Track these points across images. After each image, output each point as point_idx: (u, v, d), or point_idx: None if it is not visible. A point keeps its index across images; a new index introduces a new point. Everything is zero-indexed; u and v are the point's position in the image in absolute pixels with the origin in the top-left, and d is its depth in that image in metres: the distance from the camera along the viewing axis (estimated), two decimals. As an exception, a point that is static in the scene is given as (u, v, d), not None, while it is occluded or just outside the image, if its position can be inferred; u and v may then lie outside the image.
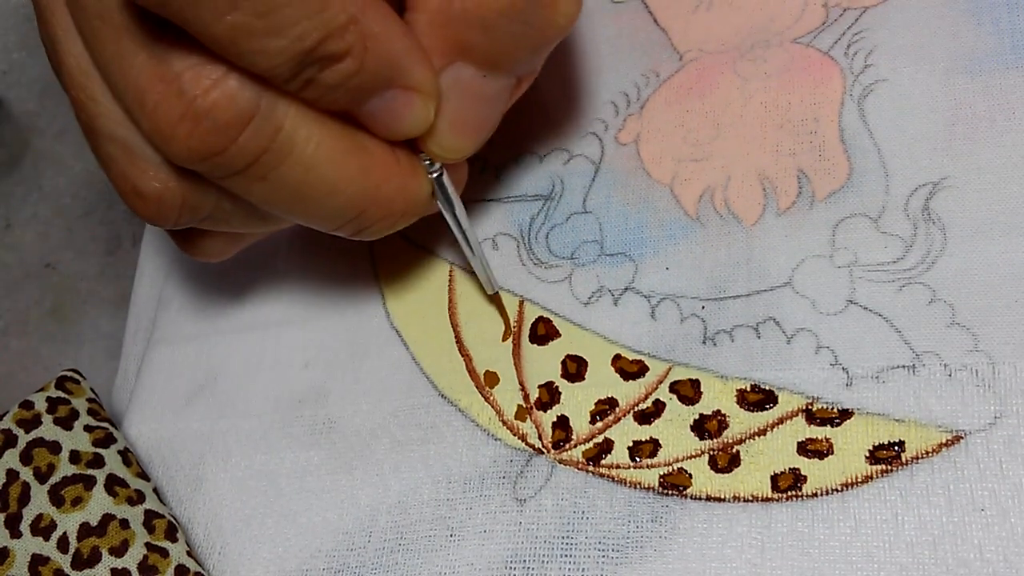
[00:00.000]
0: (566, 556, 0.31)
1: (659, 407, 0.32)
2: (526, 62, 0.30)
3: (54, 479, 0.35)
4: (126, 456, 0.37)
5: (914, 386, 0.29)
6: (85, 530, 0.34)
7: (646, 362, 0.33)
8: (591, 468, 0.32)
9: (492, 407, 0.34)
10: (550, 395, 0.34)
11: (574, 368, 0.34)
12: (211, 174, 0.28)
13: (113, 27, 0.27)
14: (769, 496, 0.29)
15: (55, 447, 0.36)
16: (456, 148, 0.31)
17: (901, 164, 0.32)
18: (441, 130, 0.30)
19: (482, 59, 0.29)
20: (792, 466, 0.30)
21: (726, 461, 0.30)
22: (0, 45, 0.64)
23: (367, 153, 0.29)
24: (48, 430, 0.36)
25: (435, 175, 0.31)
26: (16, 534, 0.34)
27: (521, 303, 0.36)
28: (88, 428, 0.37)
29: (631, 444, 0.32)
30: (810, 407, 0.30)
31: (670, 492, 0.31)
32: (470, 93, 0.30)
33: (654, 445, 0.31)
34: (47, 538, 0.34)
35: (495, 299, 0.36)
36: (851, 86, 0.34)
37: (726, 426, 0.31)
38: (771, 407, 0.31)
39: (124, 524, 0.34)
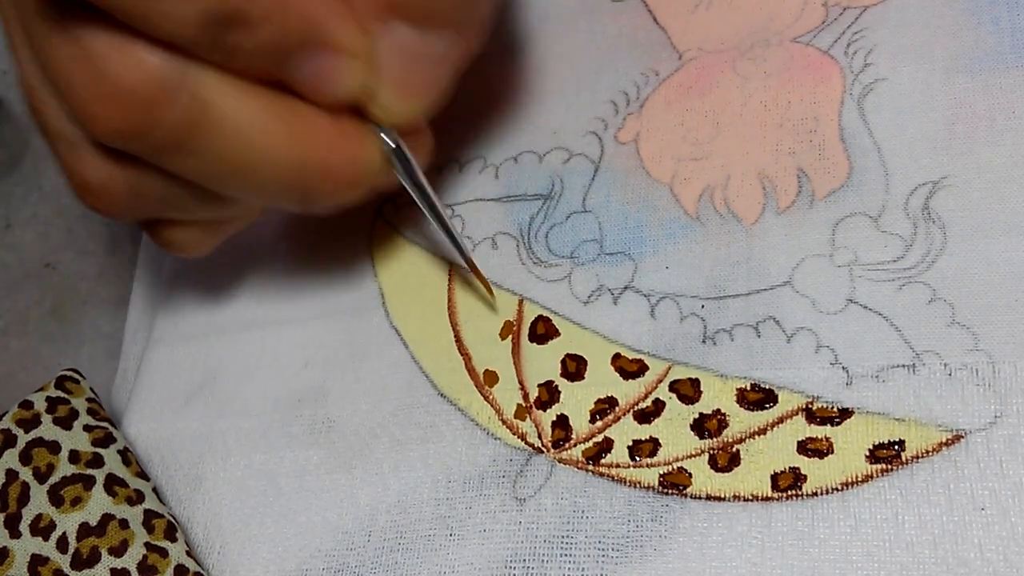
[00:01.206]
0: (566, 555, 0.31)
1: (659, 406, 0.32)
2: (460, 15, 0.29)
3: (53, 479, 0.35)
4: (125, 456, 0.36)
5: (914, 385, 0.29)
6: (84, 530, 0.34)
7: (646, 361, 0.33)
8: (591, 467, 0.32)
9: (492, 406, 0.34)
10: (549, 394, 0.34)
11: (574, 367, 0.34)
12: (142, 153, 0.28)
13: (37, 16, 0.26)
14: (769, 495, 0.29)
15: (54, 447, 0.36)
16: (401, 111, 0.30)
17: (901, 163, 0.32)
18: (384, 93, 0.29)
19: (415, 15, 0.28)
20: (792, 465, 0.30)
21: (726, 460, 0.30)
22: (0, 45, 0.64)
23: (303, 121, 0.28)
24: (47, 430, 0.36)
25: (390, 144, 0.30)
26: (16, 534, 0.34)
27: (520, 302, 0.36)
28: (87, 428, 0.37)
29: (631, 443, 0.32)
30: (810, 406, 0.30)
31: (670, 491, 0.30)
32: (409, 52, 0.29)
33: (654, 444, 0.31)
34: (46, 538, 0.34)
35: (471, 266, 0.35)
36: (851, 85, 0.34)
37: (726, 425, 0.31)
38: (771, 406, 0.31)
39: (123, 524, 0.34)
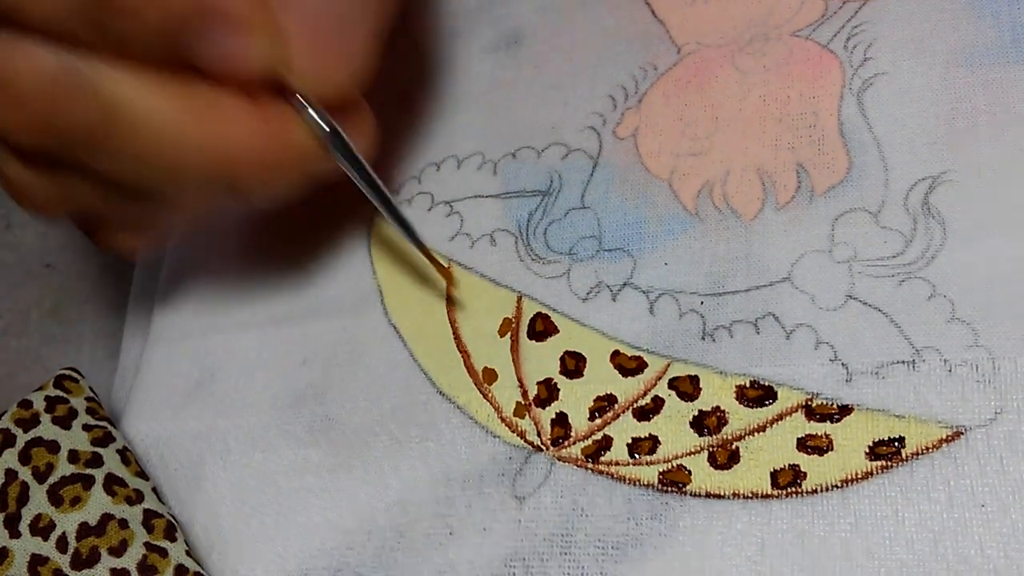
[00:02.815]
0: (566, 554, 0.31)
1: (658, 403, 0.32)
2: None
3: (53, 479, 0.35)
4: (125, 455, 0.36)
5: (914, 382, 0.29)
6: (84, 530, 0.34)
7: (645, 358, 0.33)
8: (590, 465, 0.32)
9: (491, 404, 0.34)
10: (549, 392, 0.33)
11: (573, 365, 0.34)
12: (49, 151, 0.27)
13: None
14: (769, 493, 0.29)
15: (53, 446, 0.36)
16: (321, 81, 0.28)
17: (901, 158, 0.32)
18: (299, 63, 0.27)
19: None
20: (792, 462, 0.29)
21: (725, 458, 0.30)
22: None
23: (216, 107, 0.27)
24: (47, 429, 0.36)
25: (319, 123, 0.28)
26: (15, 534, 0.34)
27: (519, 299, 0.36)
28: (87, 427, 0.37)
29: (630, 441, 0.32)
30: (810, 403, 0.30)
31: (669, 489, 0.30)
32: (320, 16, 0.27)
33: (653, 442, 0.31)
34: (46, 538, 0.34)
35: (423, 252, 0.34)
36: (850, 79, 0.34)
37: (725, 422, 0.31)
38: (770, 403, 0.30)
39: (123, 524, 0.34)
